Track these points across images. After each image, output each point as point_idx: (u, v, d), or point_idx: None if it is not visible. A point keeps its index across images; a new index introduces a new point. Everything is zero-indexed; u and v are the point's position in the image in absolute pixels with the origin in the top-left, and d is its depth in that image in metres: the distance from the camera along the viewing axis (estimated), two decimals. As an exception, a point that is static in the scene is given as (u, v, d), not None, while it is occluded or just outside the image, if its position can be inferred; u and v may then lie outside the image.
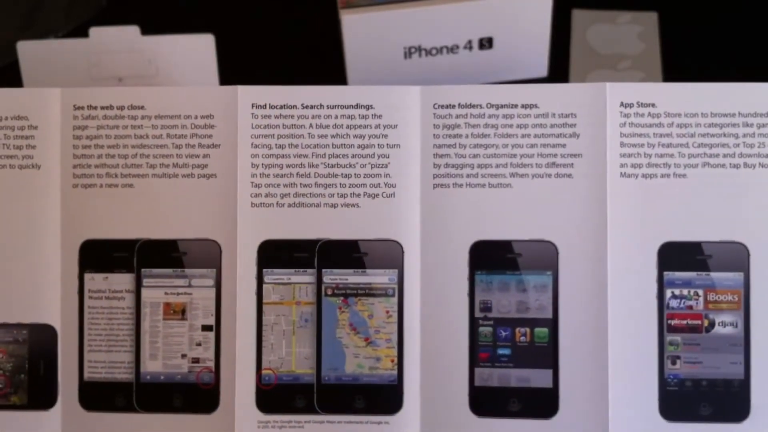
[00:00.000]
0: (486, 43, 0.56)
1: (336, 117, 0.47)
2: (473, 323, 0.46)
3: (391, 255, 0.46)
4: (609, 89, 0.46)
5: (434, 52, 0.56)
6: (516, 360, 0.45)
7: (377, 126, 0.46)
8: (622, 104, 0.46)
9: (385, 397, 0.46)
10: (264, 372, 0.46)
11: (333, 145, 0.47)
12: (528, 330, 0.45)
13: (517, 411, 0.45)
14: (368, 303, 0.46)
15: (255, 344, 0.46)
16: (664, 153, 0.46)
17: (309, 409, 0.46)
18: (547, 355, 0.45)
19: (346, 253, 0.46)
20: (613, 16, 0.63)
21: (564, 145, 0.46)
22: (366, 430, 0.46)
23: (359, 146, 0.47)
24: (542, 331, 0.45)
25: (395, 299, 0.46)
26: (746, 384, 0.45)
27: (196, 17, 0.64)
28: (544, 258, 0.45)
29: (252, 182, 0.47)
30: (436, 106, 0.46)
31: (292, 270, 0.46)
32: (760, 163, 0.45)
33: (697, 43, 0.62)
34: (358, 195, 0.46)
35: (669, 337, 0.45)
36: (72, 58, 0.57)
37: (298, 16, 0.64)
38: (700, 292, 0.45)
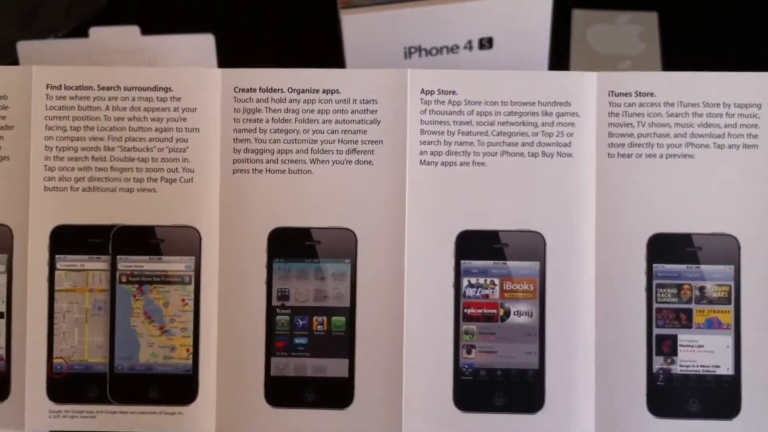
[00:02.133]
0: (486, 43, 0.55)
1: (133, 99, 0.45)
2: (270, 312, 0.45)
3: (188, 242, 0.45)
4: (410, 75, 0.45)
5: (434, 52, 0.55)
6: (313, 349, 0.45)
7: (176, 109, 0.45)
8: (423, 91, 0.45)
9: (179, 387, 0.45)
10: (55, 361, 0.45)
11: (130, 128, 0.45)
12: (325, 319, 0.45)
13: (313, 401, 0.45)
14: (164, 291, 0.45)
15: (46, 332, 0.45)
16: (463, 141, 0.45)
17: (101, 399, 0.45)
18: (343, 344, 0.45)
19: (141, 240, 0.45)
20: (613, 16, 0.63)
21: (365, 132, 0.45)
22: (160, 420, 0.45)
23: (157, 129, 0.45)
24: (339, 320, 0.45)
25: (192, 287, 0.45)
26: (541, 374, 0.45)
27: (196, 17, 0.64)
28: (343, 246, 0.45)
29: (45, 165, 0.45)
30: (237, 90, 0.45)
31: (86, 256, 0.45)
32: (558, 152, 0.45)
33: (697, 43, 0.63)
34: (155, 180, 0.45)
35: (465, 326, 0.45)
36: (72, 58, 0.56)
37: (298, 16, 0.64)
38: (497, 281, 0.45)
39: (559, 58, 0.60)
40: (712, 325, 0.44)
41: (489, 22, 0.55)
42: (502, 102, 0.46)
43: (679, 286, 0.45)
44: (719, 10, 0.65)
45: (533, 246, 0.45)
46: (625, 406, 0.44)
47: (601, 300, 0.45)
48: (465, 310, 0.45)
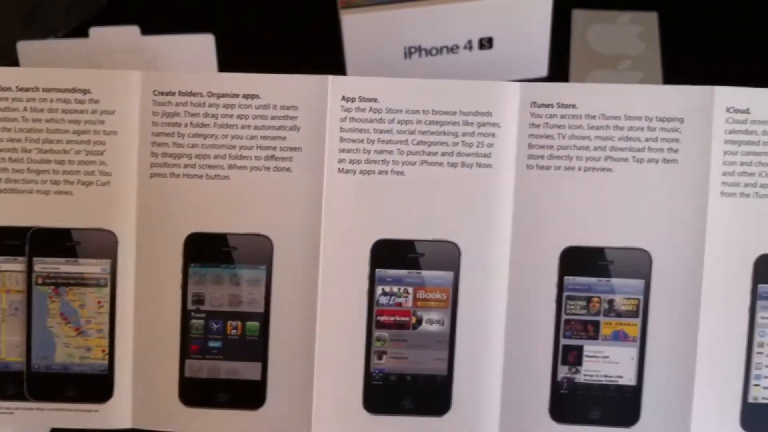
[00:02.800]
0: (486, 43, 0.55)
1: (51, 101, 0.45)
2: (185, 315, 0.45)
3: (104, 245, 0.45)
4: (331, 82, 0.45)
5: (434, 52, 0.55)
6: (226, 352, 0.46)
7: (94, 111, 0.45)
8: (344, 98, 0.45)
9: (95, 386, 0.45)
10: (-27, 359, 0.46)
11: (47, 129, 0.45)
12: (239, 323, 0.45)
13: (225, 402, 0.45)
14: (80, 293, 0.45)
15: (-36, 331, 0.46)
16: (383, 149, 0.45)
17: (19, 396, 0.45)
18: (257, 348, 0.45)
19: (58, 242, 0.45)
20: (613, 16, 0.62)
21: (284, 138, 0.45)
22: (76, 417, 0.46)
23: (74, 132, 0.45)
24: (253, 325, 0.45)
25: (108, 290, 0.45)
26: (449, 380, 0.46)
27: (196, 17, 0.64)
28: (259, 252, 0.45)
29: (-38, 166, 0.45)
30: (156, 93, 0.45)
31: (2, 257, 0.45)
32: (477, 163, 0.46)
33: (698, 43, 0.62)
34: (72, 182, 0.45)
35: (377, 333, 0.46)
36: (72, 58, 0.56)
37: (298, 16, 0.64)
38: (410, 289, 0.46)
39: (559, 58, 0.60)
40: (618, 337, 0.45)
41: (489, 22, 0.55)
42: (423, 111, 0.45)
43: (589, 299, 0.45)
44: (719, 10, 0.65)
45: (448, 256, 0.46)
46: (529, 412, 0.46)
47: (512, 310, 0.46)
48: (378, 318, 0.46)
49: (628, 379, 0.45)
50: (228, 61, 0.57)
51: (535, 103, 0.46)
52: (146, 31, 0.56)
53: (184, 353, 0.45)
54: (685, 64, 0.61)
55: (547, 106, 0.46)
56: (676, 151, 0.45)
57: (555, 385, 0.45)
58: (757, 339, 0.45)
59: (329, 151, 0.45)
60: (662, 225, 0.45)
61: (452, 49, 0.56)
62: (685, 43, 0.62)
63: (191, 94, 0.45)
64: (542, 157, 0.46)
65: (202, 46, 0.56)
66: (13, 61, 0.57)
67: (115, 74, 0.45)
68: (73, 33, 0.62)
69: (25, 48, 0.56)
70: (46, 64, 0.55)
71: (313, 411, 0.45)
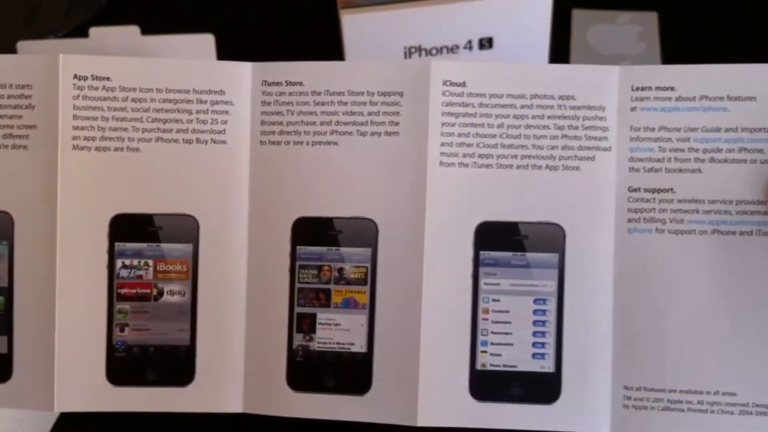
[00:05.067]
0: (486, 43, 0.56)
1: None
2: (-70, 291, 0.47)
3: None
4: (62, 61, 0.46)
5: (434, 52, 0.56)
6: (-28, 327, 0.47)
7: None
8: (76, 77, 0.46)
9: None
10: None
11: None
12: (-17, 298, 0.47)
13: (-26, 375, 0.47)
14: None
15: None
16: (118, 127, 0.47)
17: None
18: (3, 322, 0.47)
19: None
20: (613, 16, 0.63)
21: (20, 117, 0.46)
22: None
23: None
24: (-3, 300, 0.47)
25: None
26: (192, 350, 0.47)
27: (196, 17, 0.64)
28: (1, 228, 0.46)
29: None
30: None
31: None
32: (212, 140, 0.47)
33: (697, 43, 0.63)
34: None
35: (118, 306, 0.47)
36: None
37: (298, 17, 0.64)
38: (150, 262, 0.47)
39: (559, 58, 0.61)
40: (349, 304, 0.47)
41: (489, 22, 0.55)
42: (157, 89, 0.47)
43: (320, 267, 0.47)
44: (719, 10, 0.65)
45: (187, 229, 0.47)
46: (269, 382, 0.47)
47: (252, 281, 0.47)
48: (119, 290, 0.47)
49: (359, 346, 0.47)
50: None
51: (266, 81, 0.47)
52: (146, 31, 0.57)
53: (-70, 329, 0.47)
54: (685, 64, 0.61)
55: (277, 84, 0.47)
56: (397, 124, 0.47)
57: (291, 354, 0.47)
58: (481, 305, 0.47)
59: (63, 128, 0.46)
60: (385, 195, 0.47)
61: (452, 49, 0.56)
62: (685, 43, 0.62)
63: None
64: (274, 132, 0.47)
65: (202, 46, 0.57)
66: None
67: None
68: (73, 33, 0.63)
69: (25, 48, 0.57)
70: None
71: (56, 384, 0.47)
